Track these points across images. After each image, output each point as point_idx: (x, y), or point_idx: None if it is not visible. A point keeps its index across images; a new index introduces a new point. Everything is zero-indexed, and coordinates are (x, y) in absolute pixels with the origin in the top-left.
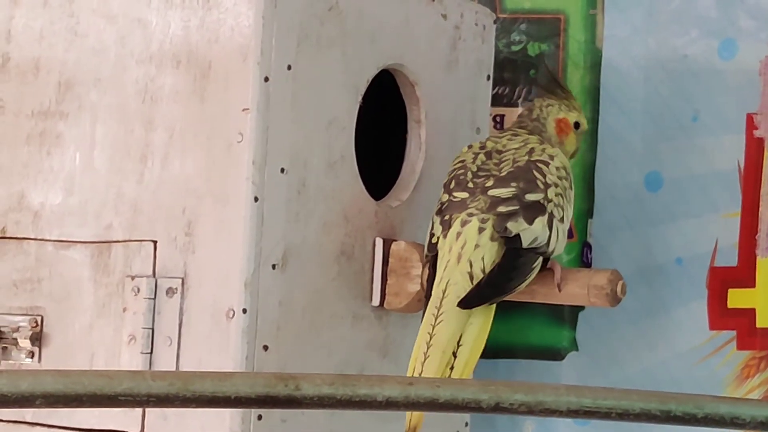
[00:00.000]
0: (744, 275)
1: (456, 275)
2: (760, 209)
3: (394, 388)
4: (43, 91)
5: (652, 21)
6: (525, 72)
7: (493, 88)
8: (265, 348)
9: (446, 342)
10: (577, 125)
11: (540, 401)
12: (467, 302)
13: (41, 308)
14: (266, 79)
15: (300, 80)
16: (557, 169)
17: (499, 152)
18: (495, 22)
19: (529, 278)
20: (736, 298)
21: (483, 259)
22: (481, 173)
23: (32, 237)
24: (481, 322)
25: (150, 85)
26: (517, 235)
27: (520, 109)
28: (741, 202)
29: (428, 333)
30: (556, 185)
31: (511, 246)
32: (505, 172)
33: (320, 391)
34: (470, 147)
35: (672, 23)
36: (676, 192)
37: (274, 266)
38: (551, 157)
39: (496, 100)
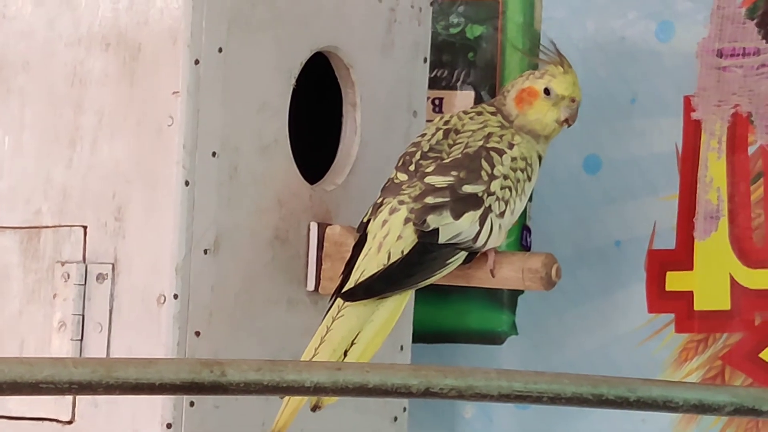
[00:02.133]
0: (682, 258)
1: (372, 266)
2: (698, 192)
3: (323, 374)
4: None
5: (590, 3)
6: (464, 54)
7: (432, 71)
8: (197, 334)
9: (339, 339)
10: (547, 91)
11: (470, 386)
12: (352, 294)
13: None
14: (197, 62)
15: (231, 63)
16: (513, 159)
17: (457, 132)
18: (431, 4)
19: (439, 273)
20: (675, 281)
21: (402, 251)
22: (431, 154)
23: None
24: (383, 320)
25: (79, 69)
26: (435, 230)
27: (459, 92)
28: (679, 184)
29: (327, 326)
30: (506, 177)
31: (425, 240)
32: (450, 159)
33: (246, 377)
34: (441, 119)
35: (610, 5)
36: (615, 174)
37: (206, 251)
38: (510, 146)
39: (435, 83)
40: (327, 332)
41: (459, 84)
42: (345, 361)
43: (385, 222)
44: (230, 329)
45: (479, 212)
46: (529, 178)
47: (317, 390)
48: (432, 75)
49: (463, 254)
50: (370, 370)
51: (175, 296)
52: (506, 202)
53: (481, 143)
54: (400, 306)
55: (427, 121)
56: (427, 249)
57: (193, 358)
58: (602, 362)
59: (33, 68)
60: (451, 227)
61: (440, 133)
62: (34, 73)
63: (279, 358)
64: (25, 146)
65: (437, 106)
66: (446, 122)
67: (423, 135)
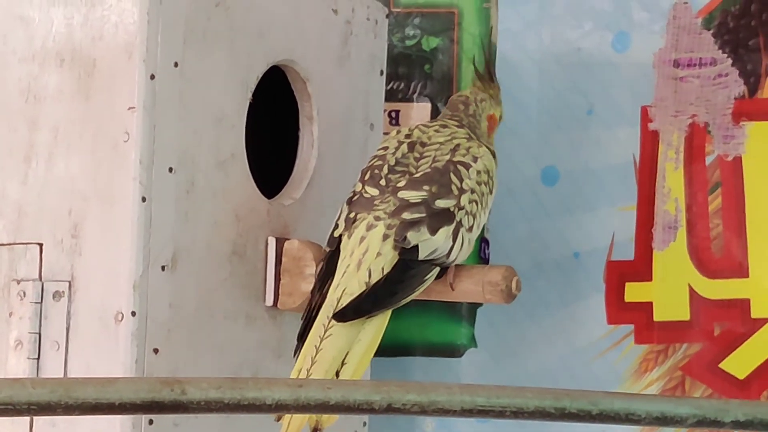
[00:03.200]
0: (641, 269)
1: (353, 284)
2: (656, 202)
3: (284, 391)
4: None
5: (546, 14)
6: (420, 67)
7: (388, 84)
8: (156, 351)
9: (331, 360)
10: (500, 118)
11: (433, 401)
12: (343, 315)
13: None
14: (152, 77)
15: (187, 77)
16: (478, 173)
17: (423, 145)
18: (387, 16)
19: (418, 290)
20: (634, 292)
21: (383, 269)
22: (398, 168)
23: None
24: (370, 339)
25: (33, 84)
26: (415, 246)
27: (416, 104)
28: (637, 195)
29: (315, 346)
30: (473, 191)
31: (406, 257)
32: (421, 173)
33: (207, 396)
34: (398, 132)
35: (565, 16)
36: (573, 186)
37: (163, 267)
38: (474, 159)
39: (391, 96)
40: (317, 353)
41: (415, 96)
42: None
43: (363, 238)
44: (189, 346)
45: (452, 227)
46: (491, 191)
47: (279, 407)
48: (388, 87)
49: (437, 270)
50: (331, 387)
51: (133, 313)
52: (474, 216)
53: (448, 157)
54: (383, 323)
55: (384, 133)
56: (408, 266)
57: (153, 377)
58: (562, 374)
59: None
60: (429, 243)
61: (404, 146)
62: None
63: (238, 374)
64: None
65: (394, 118)
66: (408, 135)
67: (385, 148)
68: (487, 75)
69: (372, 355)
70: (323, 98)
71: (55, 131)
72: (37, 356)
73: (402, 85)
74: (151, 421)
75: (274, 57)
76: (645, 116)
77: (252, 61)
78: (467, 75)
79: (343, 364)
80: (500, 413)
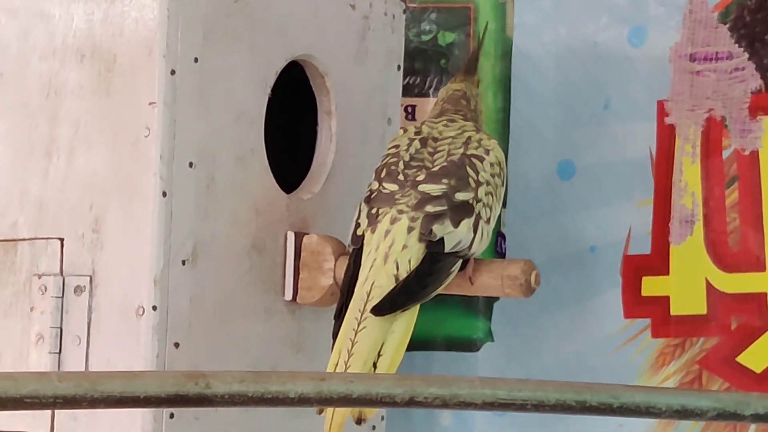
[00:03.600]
0: (658, 263)
1: (382, 277)
2: (673, 197)
3: (306, 384)
4: None
5: (562, 8)
6: (436, 62)
7: (404, 79)
8: (176, 345)
9: (368, 352)
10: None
11: (455, 394)
12: (380, 309)
13: None
14: (173, 72)
15: (207, 73)
16: (491, 165)
17: (435, 140)
18: (404, 11)
19: (446, 282)
20: (650, 286)
21: (410, 261)
22: (413, 163)
23: None
24: (403, 330)
25: (54, 80)
26: (441, 239)
27: (432, 99)
28: (654, 189)
29: (350, 339)
30: (488, 183)
31: (433, 250)
32: (438, 167)
33: (231, 389)
34: (405, 131)
35: (582, 11)
36: (589, 180)
37: (183, 262)
38: (487, 152)
39: (408, 91)
40: (353, 345)
41: (432, 91)
42: (376, 372)
43: (387, 232)
44: (209, 340)
45: (472, 219)
46: (503, 183)
47: (302, 401)
48: (404, 82)
49: (460, 262)
50: (354, 380)
51: (154, 308)
52: (490, 208)
53: (461, 150)
54: (414, 314)
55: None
56: (436, 258)
57: (177, 371)
58: (579, 368)
59: (7, 80)
60: (453, 236)
61: (416, 143)
62: (8, 85)
63: (258, 368)
64: (1, 159)
65: (410, 113)
66: (418, 132)
67: (396, 146)
68: (473, 68)
69: (406, 345)
70: (341, 93)
71: (75, 127)
72: (58, 351)
73: (418, 80)
74: (172, 415)
75: (292, 52)
76: (661, 110)
77: (271, 56)
78: (484, 69)
79: (379, 355)
80: (521, 406)
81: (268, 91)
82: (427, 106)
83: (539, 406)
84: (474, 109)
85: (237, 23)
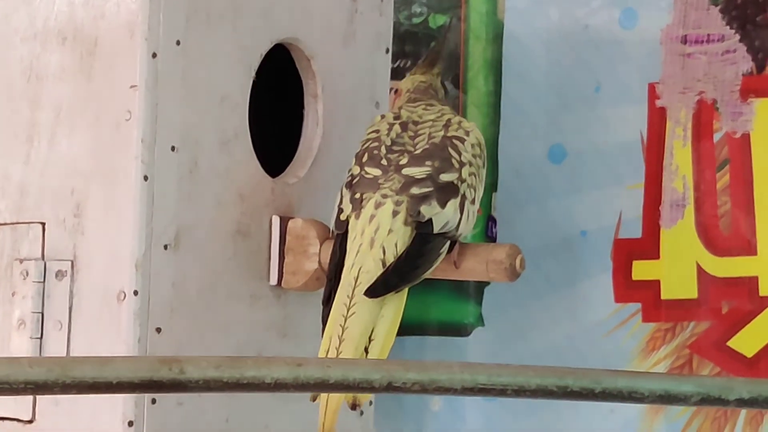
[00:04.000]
0: (648, 247)
1: (368, 262)
2: (663, 180)
3: (283, 370)
4: None
5: None
6: (426, 45)
7: (394, 62)
8: (158, 330)
9: (359, 336)
10: None
11: (433, 380)
12: (374, 291)
13: None
14: (154, 55)
15: (190, 56)
16: (472, 146)
17: (415, 123)
18: None
19: (435, 264)
20: (641, 270)
21: (396, 245)
22: (395, 147)
23: None
24: (393, 314)
25: (35, 63)
26: (429, 220)
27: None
28: (644, 173)
29: (340, 325)
30: (471, 164)
31: (422, 231)
32: (420, 150)
33: (206, 374)
34: (383, 117)
35: None
36: (580, 164)
37: (166, 246)
38: (467, 133)
39: (397, 74)
40: (343, 331)
41: None
42: (368, 357)
43: (372, 217)
44: (192, 325)
45: (458, 200)
46: (484, 164)
47: (278, 386)
48: (395, 65)
49: (448, 243)
50: (331, 366)
51: (135, 293)
52: (474, 189)
53: (442, 133)
54: (403, 298)
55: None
56: (425, 239)
57: (151, 356)
58: (569, 353)
59: None
60: (441, 216)
61: (396, 127)
62: None
63: (242, 353)
64: None
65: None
66: (397, 117)
67: (376, 131)
68: (435, 60)
69: (396, 329)
70: (328, 76)
71: (57, 111)
72: (39, 336)
73: (408, 63)
74: (154, 400)
75: (277, 35)
76: (652, 93)
77: (255, 39)
78: (474, 53)
79: (370, 340)
80: (501, 391)
81: (253, 74)
82: None
83: (520, 392)
84: (441, 100)
85: (221, 5)
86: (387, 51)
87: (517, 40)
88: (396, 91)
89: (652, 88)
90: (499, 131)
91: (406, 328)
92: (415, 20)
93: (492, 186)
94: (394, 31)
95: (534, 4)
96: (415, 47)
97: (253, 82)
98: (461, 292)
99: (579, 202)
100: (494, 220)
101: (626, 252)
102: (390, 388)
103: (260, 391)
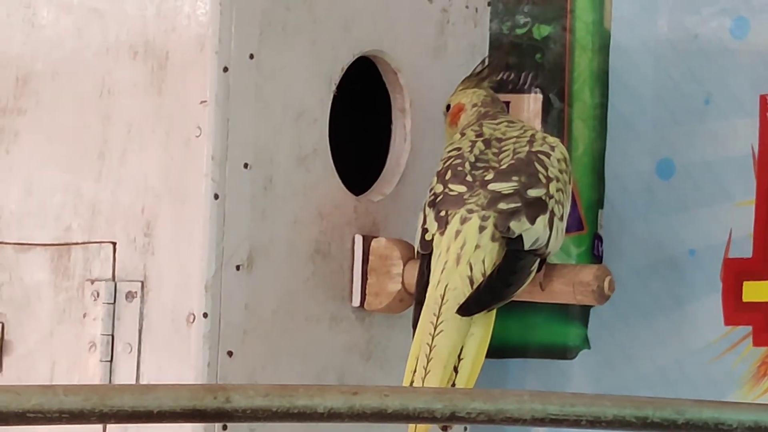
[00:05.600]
0: (759, 267)
1: (455, 279)
2: None
3: (337, 399)
4: (1, 86)
5: (662, 0)
6: (531, 56)
7: (496, 74)
8: (230, 354)
9: (447, 355)
10: None
11: (501, 409)
12: (466, 309)
13: (2, 315)
14: (225, 69)
15: (264, 70)
16: (558, 161)
17: (499, 140)
18: (489, 4)
19: (527, 282)
20: (752, 291)
21: (483, 261)
22: (479, 164)
23: None
24: (482, 332)
25: (107, 78)
26: (519, 236)
27: (527, 96)
28: (755, 189)
29: (427, 344)
30: (557, 179)
31: (513, 248)
32: (506, 165)
33: (253, 403)
34: (464, 134)
35: (682, 2)
36: (689, 180)
37: (238, 267)
38: (552, 148)
39: (501, 87)
40: (431, 349)
41: (526, 87)
42: (458, 377)
43: (458, 233)
44: (267, 349)
45: (547, 216)
46: (570, 180)
47: (331, 416)
48: (498, 78)
49: (538, 261)
50: (389, 394)
51: (205, 315)
52: (562, 205)
53: (527, 148)
54: (492, 316)
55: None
56: (517, 256)
57: (196, 384)
58: (676, 377)
59: (62, 79)
60: (531, 232)
61: (480, 144)
62: (63, 83)
63: (322, 378)
64: (54, 160)
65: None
66: (479, 134)
67: (458, 149)
68: (485, 78)
69: (486, 347)
70: (417, 90)
71: (128, 126)
72: (110, 359)
73: (512, 75)
74: (225, 426)
75: (360, 48)
76: (765, 105)
77: (336, 52)
78: (580, 64)
79: (459, 359)
80: (575, 422)
81: (334, 88)
82: (522, 102)
83: (595, 423)
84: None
85: (298, 17)
86: (483, 63)
87: (625, 51)
88: (448, 107)
89: (764, 100)
90: (606, 146)
91: (507, 350)
92: (519, 31)
93: (598, 202)
94: (496, 43)
95: (642, 13)
96: (519, 59)
97: (335, 96)
98: (566, 313)
99: (687, 219)
100: (600, 239)
101: (736, 272)
102: (453, 418)
103: (312, 421)
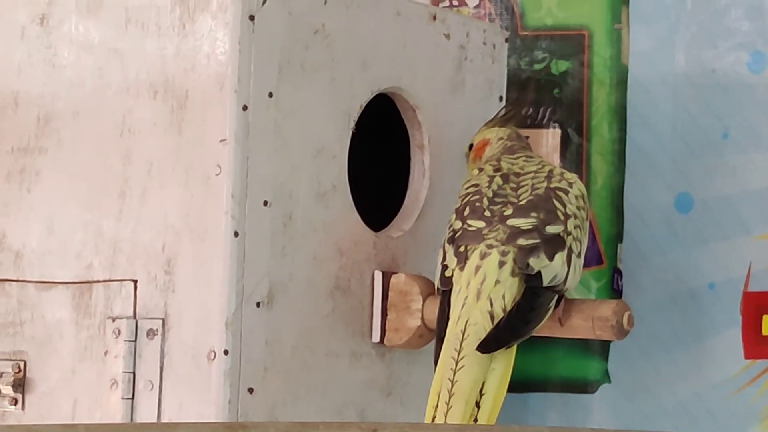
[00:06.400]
0: None
1: (476, 314)
2: None
3: None
4: (22, 126)
5: (679, 35)
6: (549, 91)
7: (527, 109)
8: (251, 391)
9: (469, 391)
10: None
11: None
12: (486, 346)
13: (24, 352)
14: (245, 108)
15: (283, 108)
16: (576, 198)
17: (517, 175)
18: (506, 40)
19: (545, 319)
20: None
21: (503, 296)
22: (497, 199)
23: (14, 278)
24: (503, 367)
25: (128, 117)
26: (538, 273)
27: (545, 131)
28: None
29: (449, 379)
30: (575, 216)
31: (531, 284)
32: (524, 200)
33: None
34: (482, 170)
35: (699, 36)
36: (707, 214)
37: (258, 304)
38: (570, 184)
39: (520, 122)
40: (453, 385)
41: (545, 122)
42: (480, 413)
43: (478, 268)
44: (287, 385)
45: (565, 253)
46: (587, 217)
47: None
48: (524, 113)
49: (556, 298)
50: (410, 431)
51: (226, 352)
52: (580, 242)
53: (545, 184)
54: (513, 351)
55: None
56: (536, 293)
57: (216, 422)
58: (697, 411)
59: (82, 118)
60: (549, 269)
61: (498, 179)
62: (83, 122)
63: (342, 414)
64: (76, 199)
65: None
66: (497, 169)
67: (475, 185)
68: (508, 120)
69: (508, 382)
70: (435, 126)
71: (149, 165)
72: (131, 396)
73: (531, 110)
74: None
75: (379, 85)
76: None
77: (355, 89)
78: (598, 99)
79: (481, 394)
80: None
81: (352, 125)
82: (541, 137)
83: None
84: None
85: (316, 56)
86: (501, 99)
87: (642, 86)
88: (471, 146)
89: None
90: (625, 180)
91: (528, 385)
92: (537, 66)
93: (617, 236)
94: (514, 78)
95: (659, 48)
96: (538, 94)
97: (353, 133)
98: (586, 347)
99: (707, 253)
100: (620, 273)
101: (756, 305)
102: None
103: None
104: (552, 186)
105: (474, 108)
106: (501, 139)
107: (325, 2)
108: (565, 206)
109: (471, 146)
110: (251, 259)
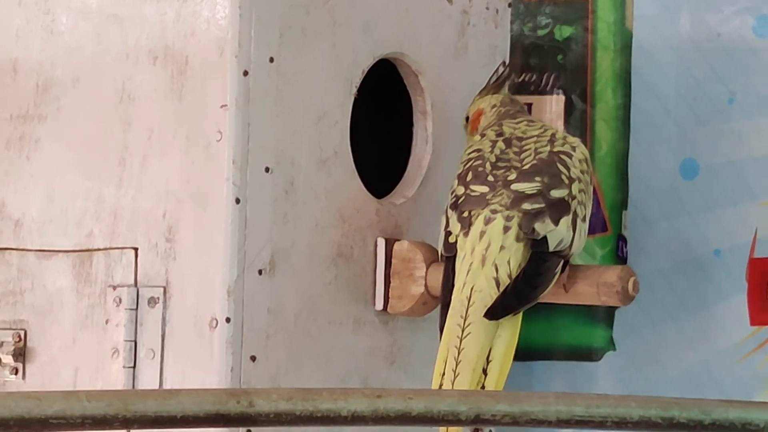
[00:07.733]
0: None
1: (481, 281)
2: None
3: (361, 402)
4: (21, 93)
5: None
6: (552, 57)
7: (519, 75)
8: (253, 359)
9: (476, 358)
10: None
11: (525, 411)
12: (493, 313)
13: (24, 321)
14: (245, 73)
15: (284, 74)
16: (580, 161)
17: (519, 139)
18: (509, 5)
19: (552, 284)
20: None
21: (509, 262)
22: (500, 164)
23: (14, 247)
24: (510, 333)
25: (127, 84)
26: (544, 238)
27: (549, 97)
28: None
29: (455, 347)
30: (579, 180)
31: (538, 249)
32: (528, 165)
33: (277, 407)
34: (484, 135)
35: (704, 1)
36: (713, 180)
37: (260, 271)
38: (573, 148)
39: (524, 88)
40: (459, 352)
41: (548, 88)
42: (487, 380)
43: (482, 233)
44: (290, 353)
45: (570, 217)
46: (590, 181)
47: (355, 419)
48: (520, 79)
49: (561, 263)
50: (413, 397)
51: (228, 320)
52: (584, 206)
53: (548, 148)
54: (520, 317)
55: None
56: (542, 258)
57: (218, 389)
58: (703, 378)
59: (82, 85)
60: (555, 234)
61: (500, 143)
62: (83, 90)
63: (346, 382)
64: (75, 166)
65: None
66: (499, 133)
67: (478, 150)
68: (501, 86)
69: (514, 348)
70: (438, 92)
71: (149, 132)
72: (133, 365)
73: (534, 77)
74: (248, 431)
75: (381, 50)
76: None
77: (356, 55)
78: (602, 65)
79: (488, 361)
80: (600, 424)
81: (354, 91)
82: (545, 104)
83: (620, 424)
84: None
85: (318, 21)
86: (504, 64)
87: (647, 51)
88: (467, 118)
89: None
90: (629, 146)
91: (532, 353)
92: (540, 32)
93: (622, 203)
94: (518, 44)
95: (664, 13)
96: (541, 60)
97: (355, 99)
98: (591, 315)
99: (712, 219)
100: (624, 240)
101: (762, 272)
102: (478, 420)
103: (336, 425)
104: (555, 150)
105: (477, 73)
106: (494, 106)
107: None
108: (569, 170)
109: (467, 119)
110: (253, 227)
